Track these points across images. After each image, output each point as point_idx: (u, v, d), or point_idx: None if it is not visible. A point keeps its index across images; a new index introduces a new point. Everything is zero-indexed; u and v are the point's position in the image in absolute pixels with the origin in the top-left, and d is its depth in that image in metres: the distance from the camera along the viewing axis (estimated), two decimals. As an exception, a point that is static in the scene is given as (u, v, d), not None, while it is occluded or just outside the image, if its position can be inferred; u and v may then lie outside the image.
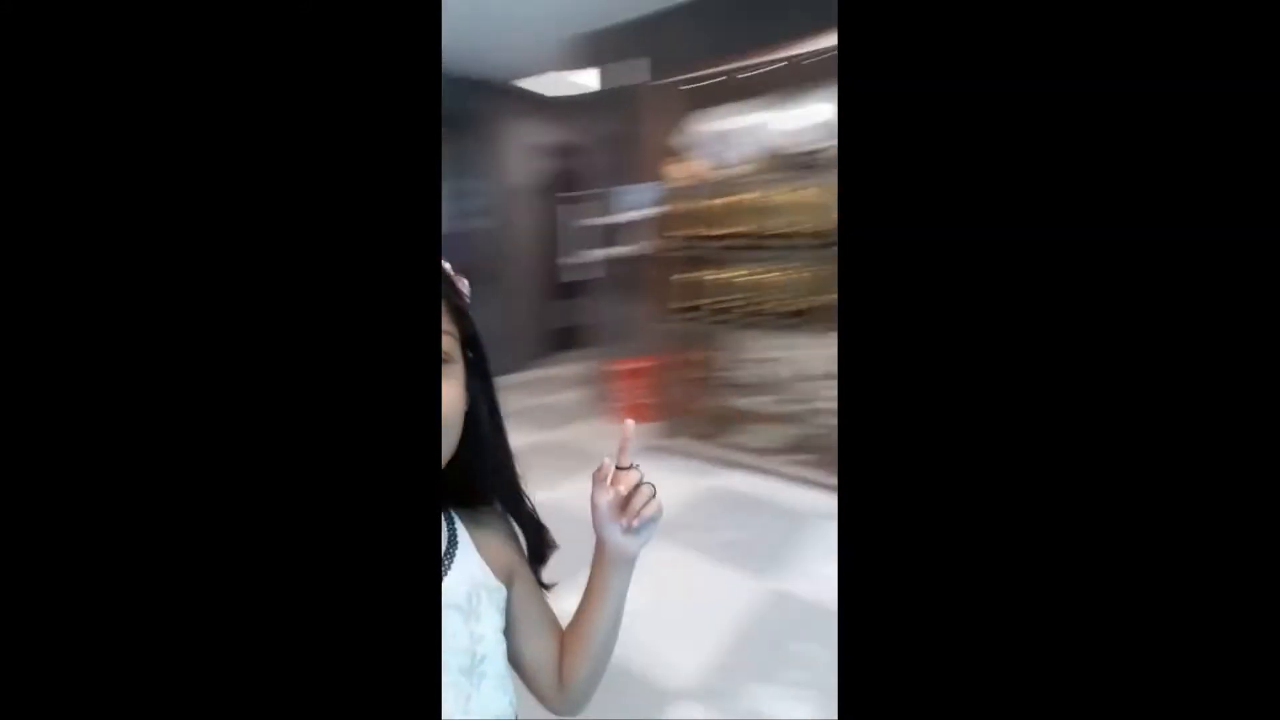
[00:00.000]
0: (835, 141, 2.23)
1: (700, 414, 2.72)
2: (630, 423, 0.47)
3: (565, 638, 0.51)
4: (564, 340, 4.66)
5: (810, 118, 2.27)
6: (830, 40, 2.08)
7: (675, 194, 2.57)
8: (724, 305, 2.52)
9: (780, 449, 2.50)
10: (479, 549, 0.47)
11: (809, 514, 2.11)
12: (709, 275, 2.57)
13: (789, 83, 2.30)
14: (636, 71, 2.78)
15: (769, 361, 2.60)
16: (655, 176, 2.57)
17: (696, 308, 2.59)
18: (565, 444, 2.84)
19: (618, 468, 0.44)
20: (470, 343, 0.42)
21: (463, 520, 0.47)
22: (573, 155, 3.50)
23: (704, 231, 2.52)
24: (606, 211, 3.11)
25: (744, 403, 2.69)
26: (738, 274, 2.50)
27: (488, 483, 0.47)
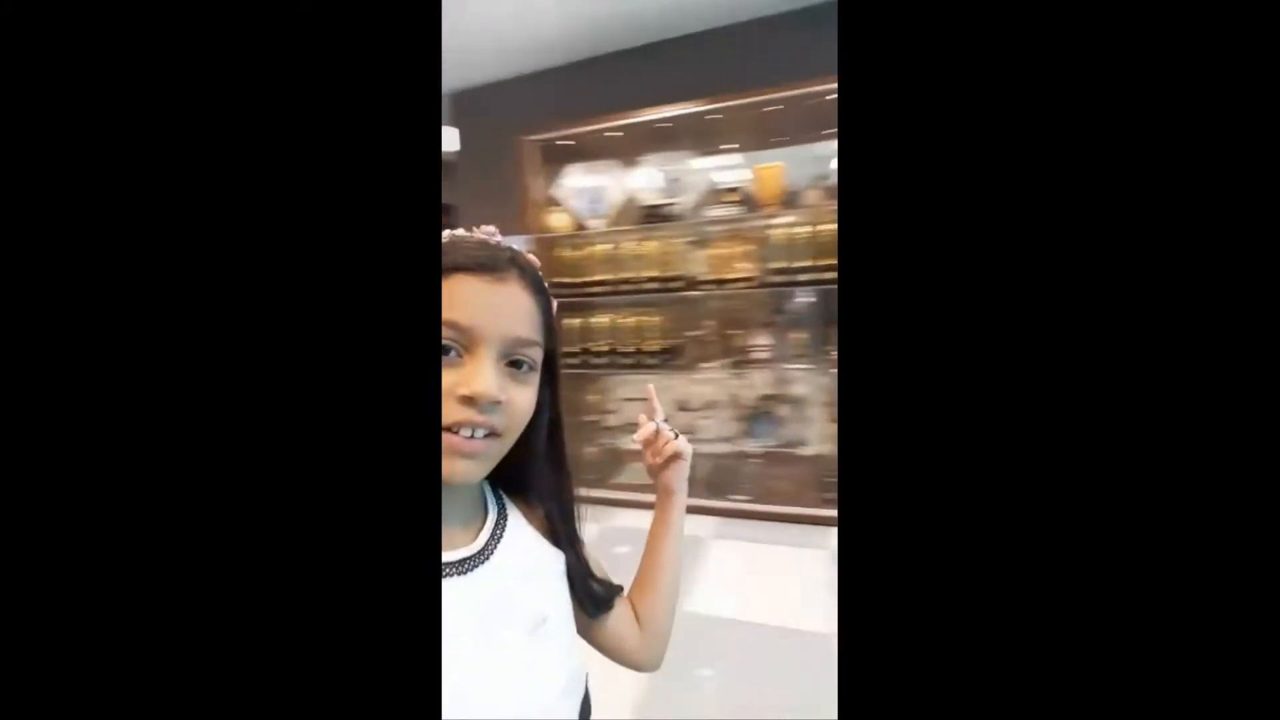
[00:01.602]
0: (680, 198, 2.47)
1: (585, 459, 2.78)
2: (650, 387, 0.63)
3: (635, 584, 0.58)
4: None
5: (657, 178, 2.49)
6: (678, 109, 2.35)
7: (546, 245, 2.69)
8: (594, 350, 2.63)
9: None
10: (530, 522, 0.49)
11: (693, 538, 2.24)
12: (579, 322, 2.69)
13: (641, 145, 2.53)
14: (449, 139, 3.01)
15: (637, 401, 2.73)
16: (530, 228, 2.67)
17: (572, 354, 2.69)
18: None
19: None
20: (549, 358, 0.44)
21: (511, 499, 0.49)
22: (454, 208, 3.52)
23: (569, 280, 2.64)
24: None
25: (620, 443, 2.78)
26: (601, 320, 2.64)
27: (533, 485, 0.50)
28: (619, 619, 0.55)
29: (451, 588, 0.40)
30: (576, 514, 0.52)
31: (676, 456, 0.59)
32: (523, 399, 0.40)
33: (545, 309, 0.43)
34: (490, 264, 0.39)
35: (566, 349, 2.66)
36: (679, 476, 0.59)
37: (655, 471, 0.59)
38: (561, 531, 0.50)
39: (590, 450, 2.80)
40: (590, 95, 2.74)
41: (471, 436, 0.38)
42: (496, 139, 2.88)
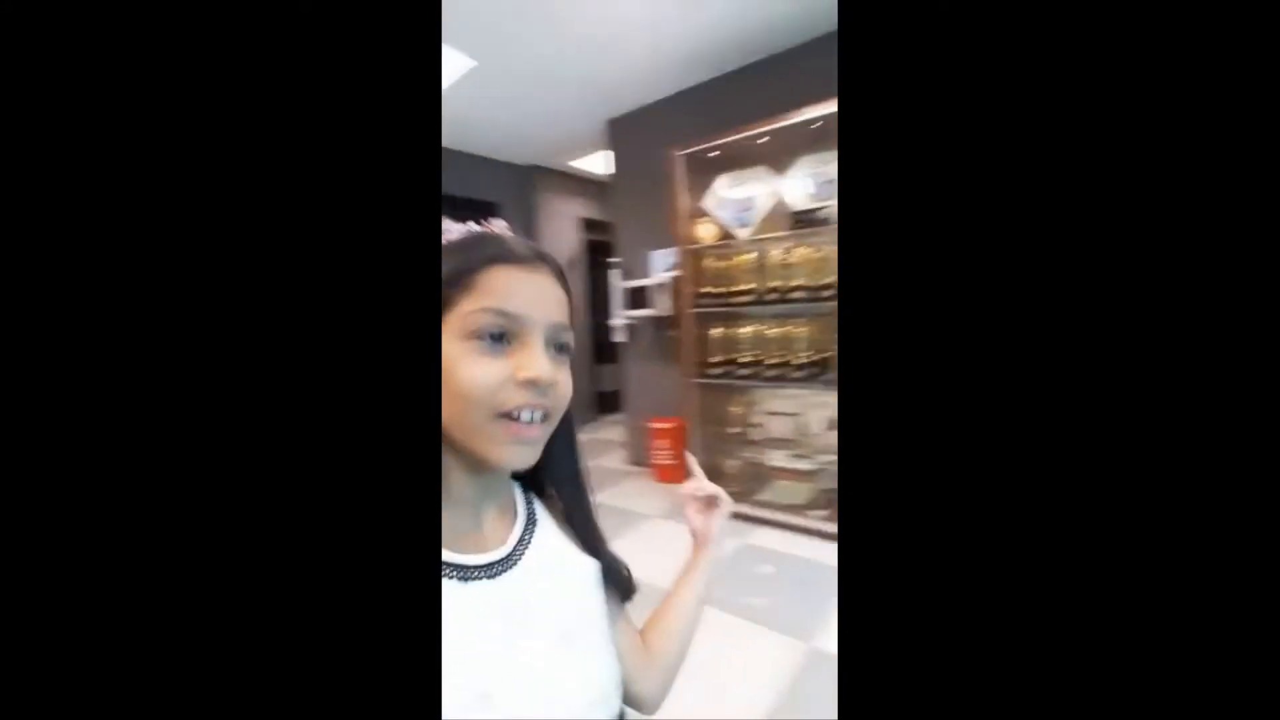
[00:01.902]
0: (833, 202, 2.31)
1: (726, 472, 2.73)
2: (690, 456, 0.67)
3: (650, 620, 0.58)
4: (610, 402, 4.81)
5: (807, 182, 2.37)
6: (829, 107, 2.22)
7: (693, 256, 2.71)
8: (739, 361, 2.58)
9: (804, 504, 2.46)
10: (560, 528, 0.50)
11: (829, 568, 2.05)
12: (724, 332, 2.64)
13: (791, 148, 2.43)
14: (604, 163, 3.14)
15: (784, 416, 2.61)
16: (680, 240, 2.72)
17: (716, 364, 2.66)
18: (607, 506, 2.91)
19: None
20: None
21: (543, 504, 0.51)
22: (610, 225, 3.75)
23: (715, 290, 2.63)
24: (637, 275, 3.30)
25: (765, 459, 2.67)
26: (747, 330, 2.57)
27: (550, 469, 0.50)
28: (627, 643, 0.52)
29: (478, 592, 0.40)
30: (591, 498, 0.52)
31: (713, 501, 0.60)
32: (567, 381, 0.42)
33: (569, 297, 0.44)
34: (525, 255, 0.41)
35: (710, 359, 2.66)
36: (714, 525, 0.61)
37: (692, 519, 0.61)
38: (576, 516, 0.51)
39: (732, 464, 2.74)
40: (738, 104, 2.71)
41: (530, 420, 0.39)
42: (651, 158, 3.00)
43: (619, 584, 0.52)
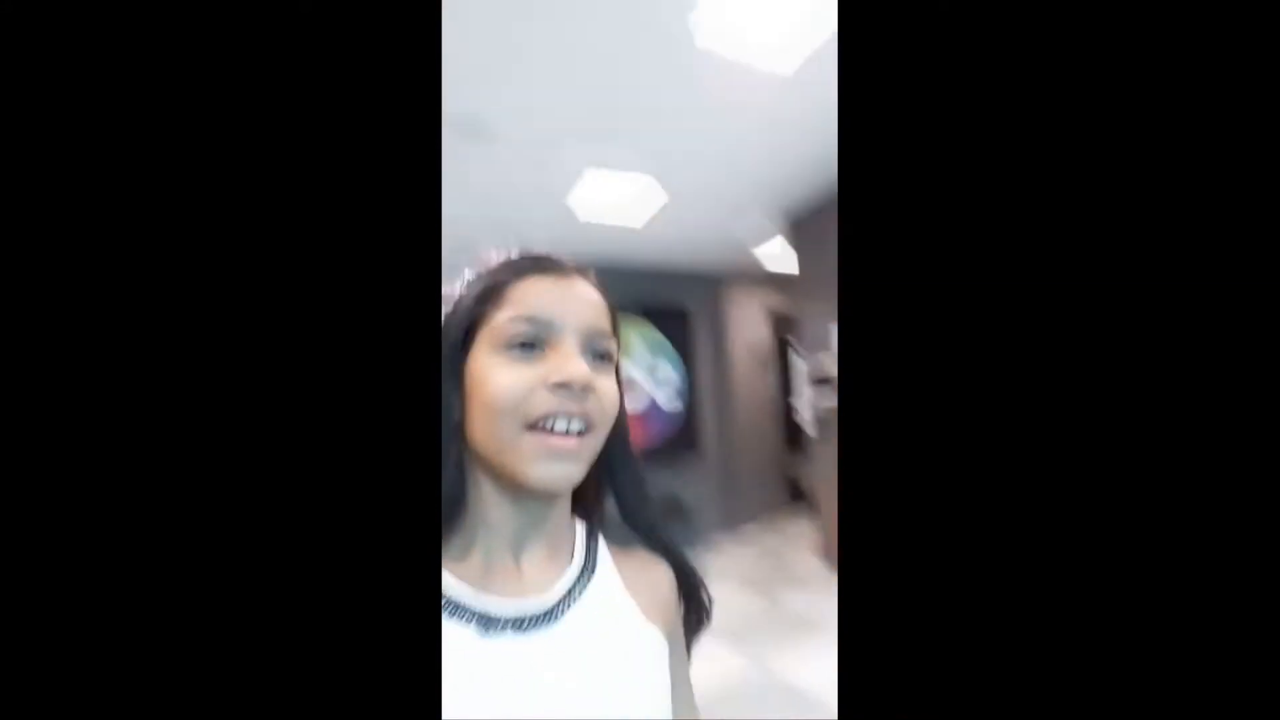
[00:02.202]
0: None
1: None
2: None
3: None
4: (799, 490, 4.67)
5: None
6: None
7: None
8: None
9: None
10: (628, 586, 0.43)
11: None
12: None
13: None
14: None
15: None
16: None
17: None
18: (788, 611, 2.72)
19: None
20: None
21: (613, 554, 0.44)
22: (795, 320, 3.60)
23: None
24: (823, 359, 3.17)
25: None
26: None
27: (617, 500, 0.46)
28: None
29: (503, 648, 0.35)
30: (653, 502, 0.47)
31: None
32: (610, 389, 0.39)
33: (612, 308, 0.42)
34: (556, 265, 0.40)
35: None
36: None
37: None
38: (648, 536, 0.46)
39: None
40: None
41: (567, 431, 0.36)
42: (827, 240, 2.98)
43: (692, 599, 0.46)
